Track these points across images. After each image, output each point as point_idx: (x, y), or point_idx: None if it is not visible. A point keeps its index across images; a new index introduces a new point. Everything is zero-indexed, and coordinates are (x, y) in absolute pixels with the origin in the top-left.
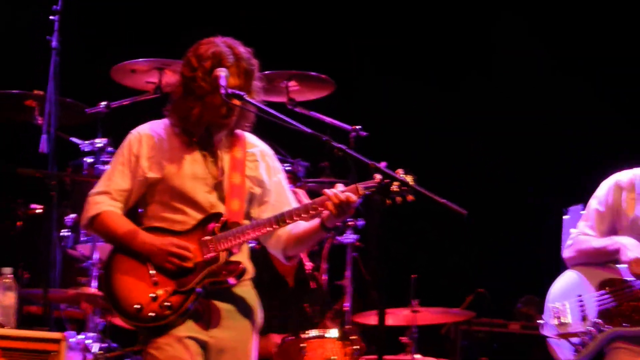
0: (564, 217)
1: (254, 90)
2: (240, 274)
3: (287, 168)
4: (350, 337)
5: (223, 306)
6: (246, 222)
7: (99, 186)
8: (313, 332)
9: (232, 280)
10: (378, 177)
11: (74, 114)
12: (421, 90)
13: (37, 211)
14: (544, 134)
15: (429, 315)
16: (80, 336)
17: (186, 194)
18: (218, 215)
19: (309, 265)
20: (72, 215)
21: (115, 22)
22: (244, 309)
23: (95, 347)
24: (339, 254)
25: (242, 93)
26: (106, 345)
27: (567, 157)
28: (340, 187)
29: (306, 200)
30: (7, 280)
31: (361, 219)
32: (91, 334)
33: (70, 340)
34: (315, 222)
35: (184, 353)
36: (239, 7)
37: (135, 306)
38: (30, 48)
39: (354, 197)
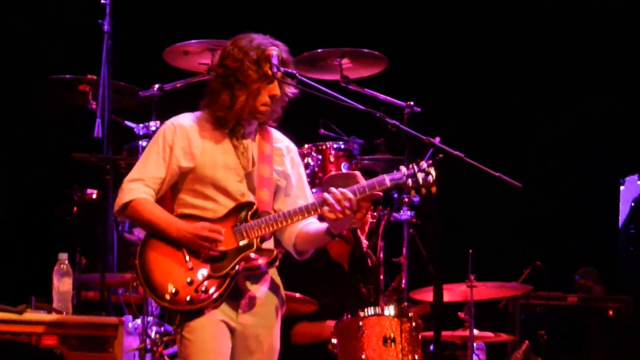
0: (621, 187)
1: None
2: (273, 260)
3: (342, 146)
4: (408, 314)
5: (253, 291)
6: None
7: (133, 173)
8: (370, 310)
9: (264, 266)
10: (403, 169)
11: (128, 98)
12: (474, 64)
13: (93, 196)
14: (598, 104)
15: (485, 290)
16: (138, 321)
17: (218, 183)
18: (249, 203)
19: (365, 243)
20: None
21: (167, 4)
22: (272, 295)
23: (153, 331)
24: (395, 230)
25: (294, 71)
26: (164, 329)
27: (623, 127)
28: (349, 188)
29: (363, 181)
30: (63, 266)
31: (417, 195)
32: (149, 318)
33: (128, 324)
34: (323, 226)
35: (216, 336)
36: None
37: (171, 290)
38: (83, 33)
39: (354, 208)
